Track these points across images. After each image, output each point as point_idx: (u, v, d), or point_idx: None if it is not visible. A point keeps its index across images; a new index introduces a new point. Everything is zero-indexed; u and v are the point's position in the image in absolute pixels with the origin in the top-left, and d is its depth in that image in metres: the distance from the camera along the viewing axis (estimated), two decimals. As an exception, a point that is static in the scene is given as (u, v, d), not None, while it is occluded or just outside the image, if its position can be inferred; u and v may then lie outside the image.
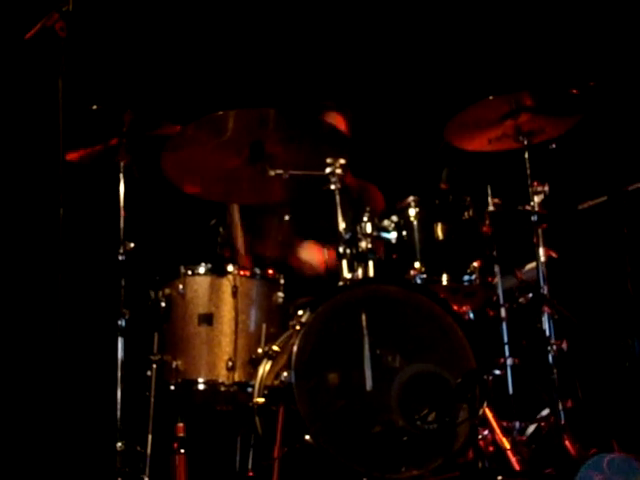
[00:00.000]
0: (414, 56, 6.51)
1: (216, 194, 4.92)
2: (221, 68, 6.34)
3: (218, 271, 4.71)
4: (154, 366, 4.61)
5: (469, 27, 6.39)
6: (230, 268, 4.72)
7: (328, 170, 4.53)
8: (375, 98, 6.32)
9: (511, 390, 4.46)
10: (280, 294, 4.77)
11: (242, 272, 4.72)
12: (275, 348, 4.43)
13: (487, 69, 6.10)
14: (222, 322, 4.64)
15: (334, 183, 4.51)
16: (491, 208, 4.66)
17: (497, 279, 4.63)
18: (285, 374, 4.09)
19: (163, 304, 4.71)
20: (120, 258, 4.79)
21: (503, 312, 4.65)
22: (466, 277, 4.55)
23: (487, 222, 4.65)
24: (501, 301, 4.65)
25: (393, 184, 5.19)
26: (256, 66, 6.34)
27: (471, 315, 4.70)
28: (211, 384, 4.57)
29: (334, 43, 6.42)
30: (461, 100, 4.75)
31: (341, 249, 4.44)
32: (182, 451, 4.52)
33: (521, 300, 4.64)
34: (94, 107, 4.76)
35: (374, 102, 6.11)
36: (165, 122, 4.80)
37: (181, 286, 4.69)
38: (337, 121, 5.49)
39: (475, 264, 4.57)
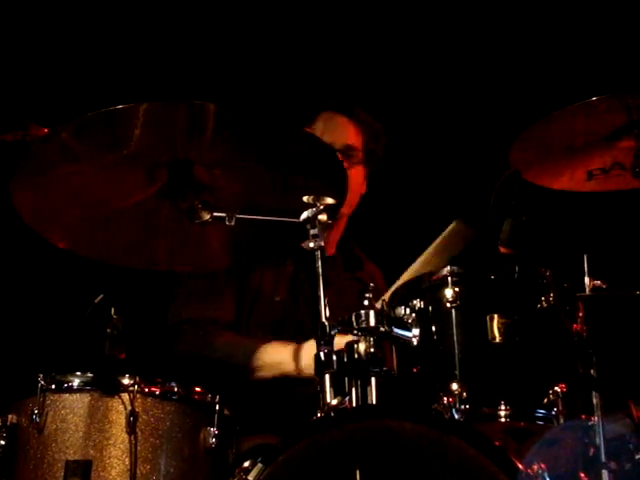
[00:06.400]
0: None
1: (108, 251, 3.77)
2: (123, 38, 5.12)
3: (105, 385, 3.55)
4: None
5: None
6: (126, 380, 3.51)
7: (304, 215, 3.51)
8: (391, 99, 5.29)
9: None
10: (213, 430, 3.61)
11: (147, 388, 3.53)
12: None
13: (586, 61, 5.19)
14: (107, 476, 3.47)
15: (315, 238, 3.51)
16: (588, 291, 3.59)
17: (597, 418, 3.43)
18: None
19: (2, 442, 3.57)
20: None
21: (606, 477, 3.36)
22: (542, 411, 3.44)
23: (580, 315, 3.52)
24: (603, 458, 3.38)
25: (413, 244, 4.20)
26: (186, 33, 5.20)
27: (548, 480, 3.82)
28: None
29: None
30: (540, 104, 3.98)
31: (322, 354, 3.40)
32: None
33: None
34: None
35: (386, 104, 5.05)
36: (28, 121, 3.72)
37: (37, 410, 3.52)
38: (345, 131, 4.66)
39: (557, 389, 3.44)
